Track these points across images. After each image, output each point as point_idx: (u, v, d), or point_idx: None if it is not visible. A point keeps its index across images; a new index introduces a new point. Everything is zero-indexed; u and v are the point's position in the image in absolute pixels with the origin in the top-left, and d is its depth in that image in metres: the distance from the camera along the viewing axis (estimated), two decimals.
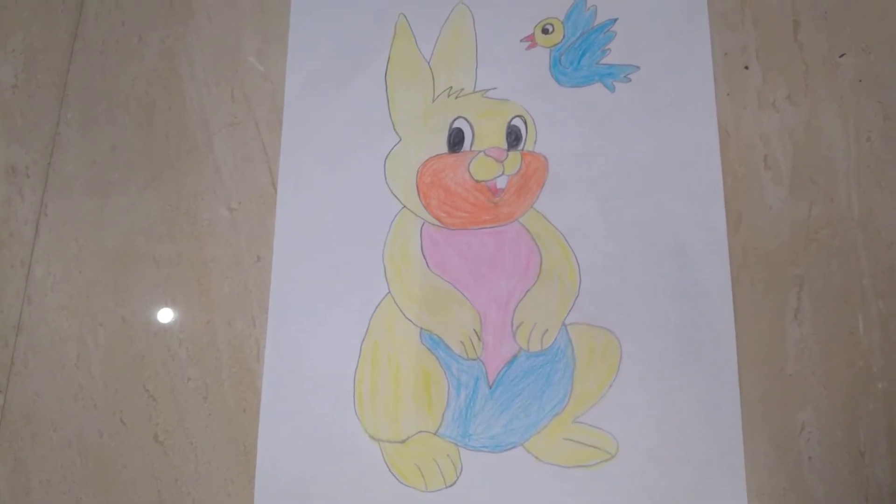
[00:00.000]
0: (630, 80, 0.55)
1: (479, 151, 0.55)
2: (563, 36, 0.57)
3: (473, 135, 0.55)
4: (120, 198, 0.60)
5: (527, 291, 0.52)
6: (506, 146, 0.55)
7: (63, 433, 0.55)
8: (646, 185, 0.53)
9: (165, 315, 0.57)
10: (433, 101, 0.57)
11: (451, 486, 0.50)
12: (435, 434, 0.51)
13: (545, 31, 0.57)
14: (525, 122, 0.55)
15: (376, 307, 0.54)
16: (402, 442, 0.51)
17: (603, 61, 0.56)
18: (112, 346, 0.56)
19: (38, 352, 0.57)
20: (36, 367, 0.57)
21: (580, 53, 0.56)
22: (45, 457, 0.55)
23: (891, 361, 0.48)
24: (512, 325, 0.52)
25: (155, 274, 0.57)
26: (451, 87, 0.57)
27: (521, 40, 0.58)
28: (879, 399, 0.48)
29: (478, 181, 0.54)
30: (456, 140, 0.56)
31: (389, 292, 0.54)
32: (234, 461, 0.53)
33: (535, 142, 0.55)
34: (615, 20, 0.57)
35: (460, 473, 0.50)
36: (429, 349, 0.52)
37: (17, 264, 0.59)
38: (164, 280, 0.57)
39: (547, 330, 0.51)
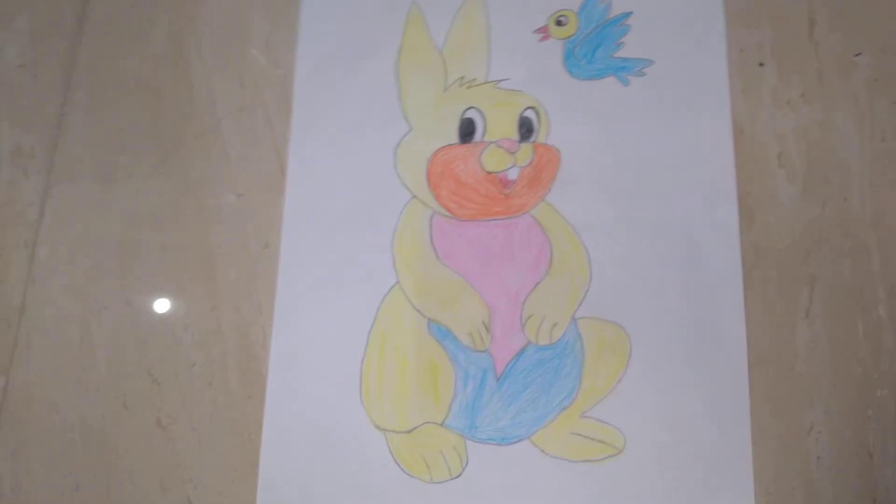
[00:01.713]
0: (644, 75, 0.55)
1: (491, 142, 0.54)
2: (577, 28, 0.57)
3: (485, 125, 0.55)
4: (126, 182, 0.59)
5: (536, 284, 0.52)
6: (518, 137, 0.54)
7: (65, 416, 0.55)
8: (658, 180, 0.53)
9: (171, 300, 0.56)
10: (444, 90, 0.57)
11: (456, 477, 0.50)
12: (441, 425, 0.51)
13: (559, 23, 0.57)
14: (537, 114, 0.55)
15: (384, 297, 0.53)
16: (408, 432, 0.51)
17: (617, 55, 0.56)
18: (116, 330, 0.56)
19: (41, 334, 0.57)
20: (39, 350, 0.56)
21: (594, 46, 0.56)
22: (47, 440, 0.55)
23: None
24: (521, 317, 0.52)
25: (161, 259, 0.57)
26: (462, 77, 0.57)
27: (535, 31, 0.57)
28: (889, 400, 0.48)
29: (489, 172, 0.54)
30: (467, 130, 0.55)
31: (398, 282, 0.53)
32: (238, 448, 0.53)
33: (548, 134, 0.55)
34: (630, 13, 0.56)
35: (466, 465, 0.50)
36: (436, 340, 0.52)
37: (22, 245, 0.58)
38: (169, 265, 0.57)
39: (556, 323, 0.51)
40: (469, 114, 0.56)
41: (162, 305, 0.56)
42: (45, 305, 0.57)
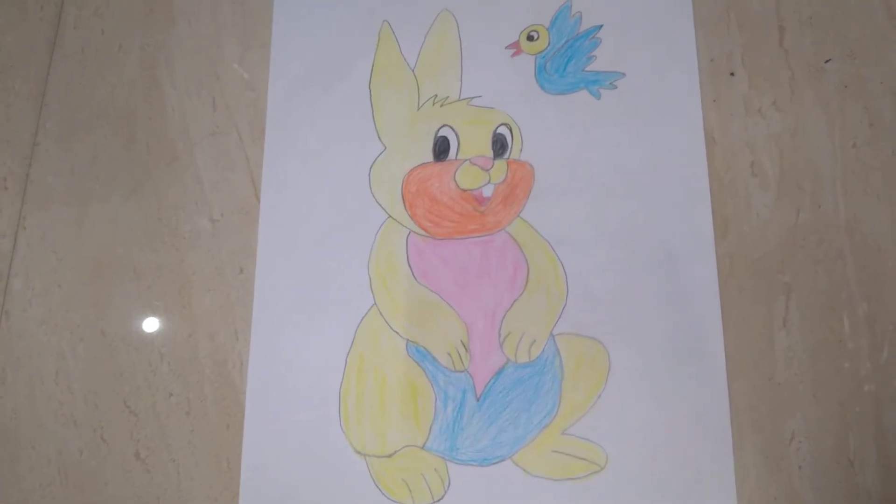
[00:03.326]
0: (616, 87, 0.55)
1: (465, 160, 0.54)
2: (549, 43, 0.57)
3: (459, 143, 0.55)
4: (100, 209, 0.59)
5: (514, 301, 0.52)
6: (492, 154, 0.54)
7: (42, 451, 0.54)
8: (632, 192, 0.53)
9: (146, 329, 0.56)
10: (418, 108, 0.56)
11: (438, 500, 0.49)
12: (422, 448, 0.50)
13: (530, 38, 0.57)
14: (511, 130, 0.55)
15: (361, 319, 0.53)
16: (389, 456, 0.50)
17: (588, 68, 0.56)
18: (92, 361, 0.55)
19: (16, 367, 0.56)
20: (14, 383, 0.56)
21: (565, 60, 0.56)
22: (24, 475, 0.54)
23: (879, 367, 0.48)
24: (499, 335, 0.51)
25: (136, 287, 0.56)
26: (436, 95, 0.57)
27: (507, 47, 0.57)
28: (869, 406, 0.48)
29: (464, 190, 0.54)
30: (441, 148, 0.55)
31: (375, 304, 0.53)
32: (218, 478, 0.52)
33: (521, 150, 0.55)
34: (600, 27, 0.56)
35: (448, 488, 0.49)
36: (415, 361, 0.52)
37: None
38: (144, 293, 0.56)
39: (534, 340, 0.51)
40: (443, 132, 0.55)
41: (138, 334, 0.56)
42: (19, 338, 0.56)
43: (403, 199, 0.55)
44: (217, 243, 0.56)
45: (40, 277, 0.58)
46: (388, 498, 0.50)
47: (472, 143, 0.55)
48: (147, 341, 0.55)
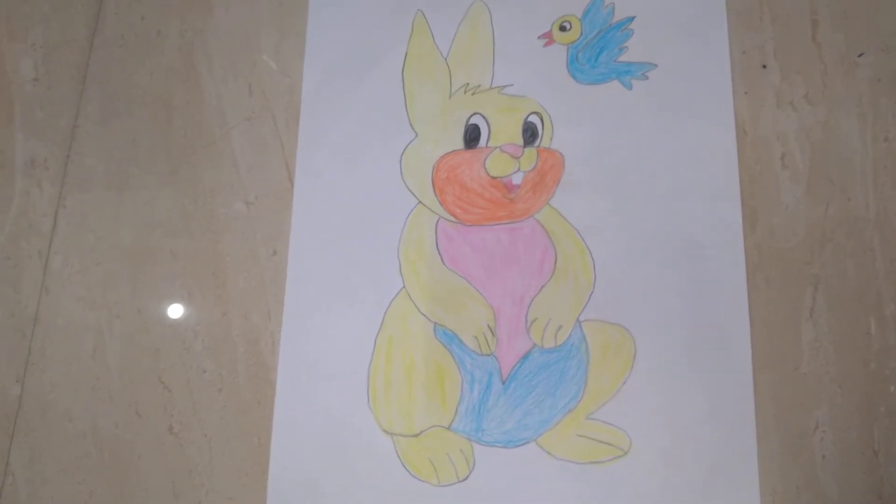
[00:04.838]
0: (647, 78, 0.55)
1: (496, 147, 0.55)
2: (581, 33, 0.57)
3: (490, 131, 0.56)
4: (138, 191, 0.60)
5: (541, 288, 0.52)
6: (522, 143, 0.55)
7: (79, 424, 0.56)
8: (662, 182, 0.53)
9: (181, 308, 0.57)
10: (450, 97, 0.57)
11: (463, 480, 0.50)
12: (448, 429, 0.51)
13: (563, 29, 0.57)
14: (541, 119, 0.55)
15: (391, 302, 0.54)
16: (416, 436, 0.51)
17: (620, 59, 0.56)
18: (128, 338, 0.57)
19: (55, 343, 0.58)
20: (53, 358, 0.57)
21: (597, 51, 0.56)
22: (61, 447, 0.56)
23: None
24: (526, 320, 0.52)
25: (171, 267, 0.58)
26: (467, 84, 0.57)
27: (539, 37, 0.58)
28: (894, 399, 0.48)
29: (493, 177, 0.54)
30: (472, 136, 0.56)
31: (404, 287, 0.54)
32: (248, 453, 0.53)
33: (552, 139, 0.55)
34: (633, 18, 0.57)
35: (473, 468, 0.50)
36: (443, 344, 0.53)
37: (36, 255, 0.60)
38: (180, 273, 0.58)
39: (561, 326, 0.51)
40: (474, 119, 0.56)
41: (173, 313, 0.57)
42: (58, 315, 0.58)
43: (433, 185, 0.56)
44: (251, 226, 0.58)
45: (79, 256, 0.59)
46: (414, 477, 0.51)
47: (503, 130, 0.55)
48: (182, 320, 0.57)
